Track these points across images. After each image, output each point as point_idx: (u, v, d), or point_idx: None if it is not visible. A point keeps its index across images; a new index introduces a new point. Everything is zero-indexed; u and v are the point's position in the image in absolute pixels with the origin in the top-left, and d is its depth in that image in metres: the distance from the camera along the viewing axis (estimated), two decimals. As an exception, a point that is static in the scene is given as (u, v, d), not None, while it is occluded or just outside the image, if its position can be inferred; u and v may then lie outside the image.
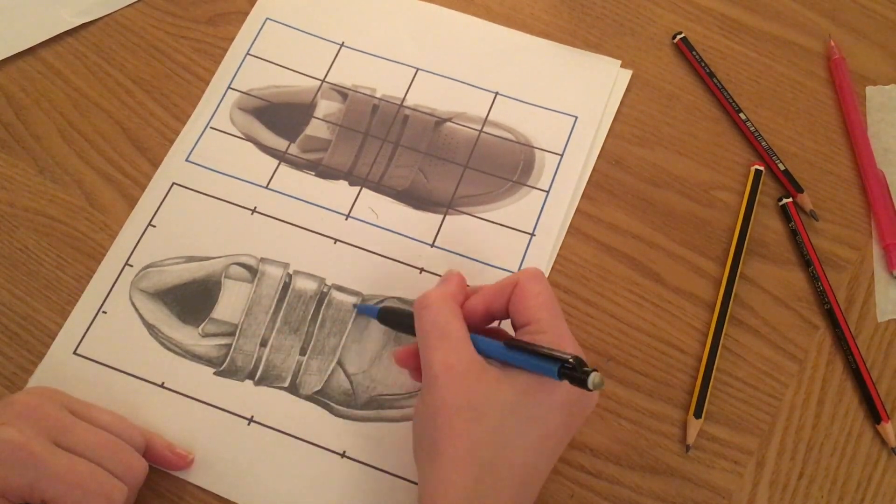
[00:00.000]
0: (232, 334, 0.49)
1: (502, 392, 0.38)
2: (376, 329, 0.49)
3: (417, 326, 0.41)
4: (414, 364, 0.42)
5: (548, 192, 0.52)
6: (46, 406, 0.42)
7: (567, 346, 0.39)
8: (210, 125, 0.54)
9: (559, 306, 0.41)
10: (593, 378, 0.34)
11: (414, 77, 0.56)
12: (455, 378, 0.38)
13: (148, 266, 0.50)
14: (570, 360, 0.36)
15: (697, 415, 0.47)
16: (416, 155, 0.54)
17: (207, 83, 0.56)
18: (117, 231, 0.51)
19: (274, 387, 0.48)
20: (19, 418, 0.41)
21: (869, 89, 0.56)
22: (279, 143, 0.54)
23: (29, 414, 0.41)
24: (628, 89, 0.55)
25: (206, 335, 0.49)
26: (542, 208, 0.52)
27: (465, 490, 0.36)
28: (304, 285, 0.50)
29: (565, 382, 0.36)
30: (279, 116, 0.55)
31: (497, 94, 0.55)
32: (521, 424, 0.37)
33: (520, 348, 0.38)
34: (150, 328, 0.49)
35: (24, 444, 0.40)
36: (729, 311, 0.49)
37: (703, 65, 0.56)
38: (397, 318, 0.46)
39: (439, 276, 0.50)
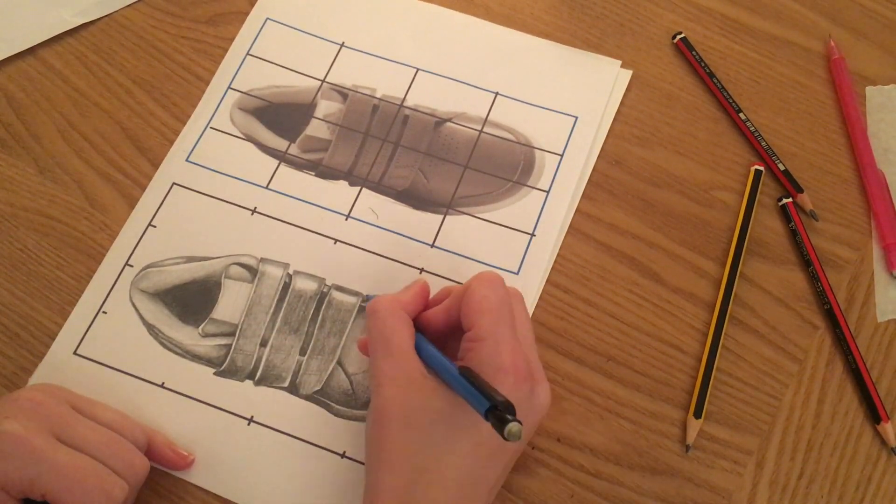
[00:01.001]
0: (232, 334, 0.49)
1: (436, 400, 0.39)
2: (376, 329, 0.49)
3: (367, 331, 0.43)
4: None
5: (548, 192, 0.52)
6: (50, 402, 0.42)
7: (504, 355, 0.39)
8: (210, 125, 0.54)
9: (509, 312, 0.41)
10: (510, 427, 0.34)
11: (414, 77, 0.56)
12: (395, 388, 0.39)
13: (148, 266, 0.50)
14: (499, 405, 0.35)
15: (697, 415, 0.47)
16: (416, 155, 0.54)
17: (207, 83, 0.56)
18: (117, 231, 0.51)
19: (274, 387, 0.48)
20: (23, 413, 0.41)
21: (869, 89, 0.56)
22: (279, 143, 0.54)
23: (32, 409, 0.41)
24: (628, 89, 0.55)
25: (206, 335, 0.49)
26: (542, 208, 0.52)
27: (399, 493, 0.38)
28: (304, 285, 0.50)
29: (503, 388, 0.37)
30: (279, 116, 0.55)
31: (497, 94, 0.55)
32: (453, 432, 0.39)
33: (461, 374, 0.38)
34: (151, 328, 0.49)
35: (26, 438, 0.40)
36: (729, 311, 0.49)
37: (703, 65, 0.56)
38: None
39: (439, 276, 0.50)
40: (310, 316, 0.49)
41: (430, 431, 0.39)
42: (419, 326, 0.43)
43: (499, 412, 0.35)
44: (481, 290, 0.41)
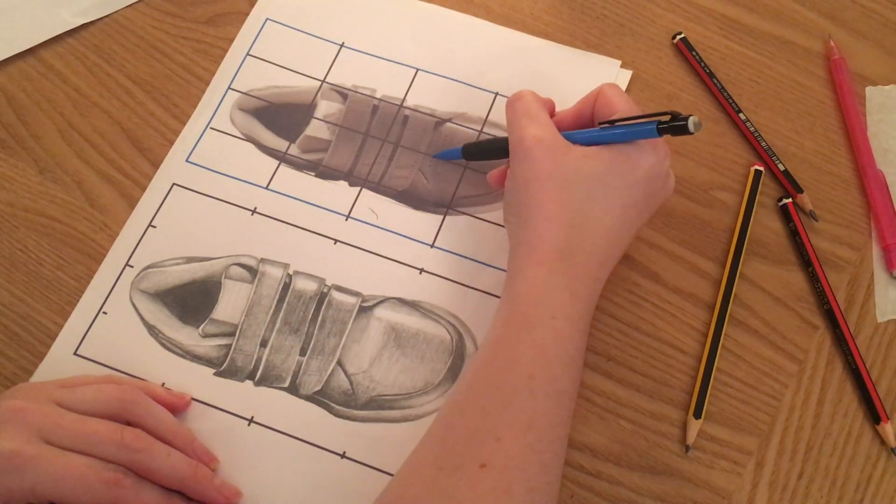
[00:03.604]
0: (232, 335, 0.49)
1: (589, 165, 0.43)
2: (376, 329, 0.49)
3: (509, 114, 0.46)
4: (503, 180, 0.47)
5: (548, 192, 0.52)
6: (32, 407, 0.42)
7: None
8: (210, 126, 0.54)
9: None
10: (693, 119, 0.39)
11: (414, 77, 0.56)
12: (545, 151, 0.43)
13: (148, 267, 0.50)
14: (667, 115, 0.40)
15: (697, 415, 0.47)
16: (416, 155, 0.54)
17: (207, 83, 0.56)
18: (117, 231, 0.51)
19: (274, 387, 0.48)
20: (7, 424, 0.41)
21: (869, 89, 0.56)
22: (279, 143, 0.54)
23: (16, 418, 0.41)
24: (628, 89, 0.55)
25: (206, 336, 0.49)
26: (542, 208, 0.52)
27: (559, 242, 0.42)
28: (304, 286, 0.50)
29: (648, 158, 0.43)
30: (279, 117, 0.55)
31: (497, 94, 0.55)
32: (607, 192, 0.43)
33: (615, 124, 0.43)
34: (151, 329, 0.49)
35: (17, 451, 0.40)
36: (729, 311, 0.49)
37: (703, 65, 0.56)
38: (481, 147, 0.50)
39: (439, 276, 0.50)
40: (310, 316, 0.49)
41: (586, 192, 0.42)
42: None
43: (670, 120, 0.40)
44: (617, 91, 0.45)
